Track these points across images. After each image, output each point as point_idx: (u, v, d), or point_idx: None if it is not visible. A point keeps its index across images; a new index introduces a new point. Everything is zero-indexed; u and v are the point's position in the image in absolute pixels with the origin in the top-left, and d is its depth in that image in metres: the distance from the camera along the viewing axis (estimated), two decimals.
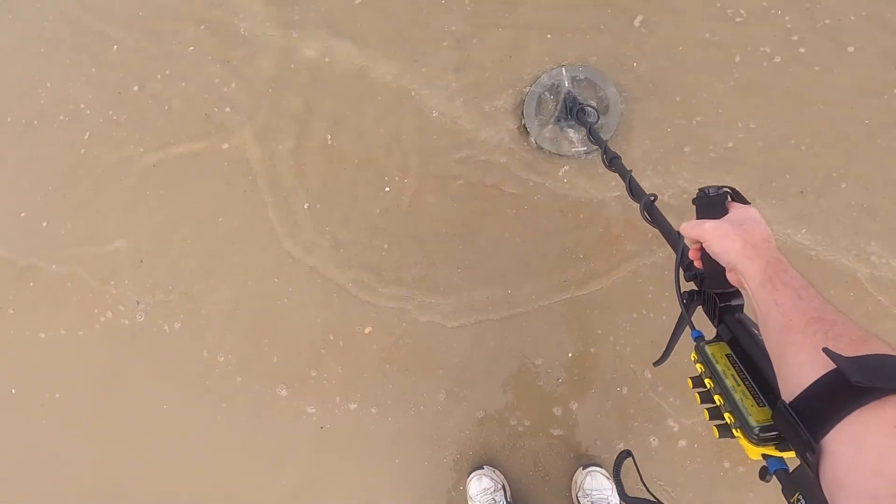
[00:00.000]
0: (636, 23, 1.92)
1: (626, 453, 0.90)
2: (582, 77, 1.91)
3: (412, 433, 1.88)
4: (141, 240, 2.13)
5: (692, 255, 0.85)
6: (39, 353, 2.16)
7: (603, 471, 1.72)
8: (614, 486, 1.67)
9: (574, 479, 1.76)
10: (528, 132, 1.92)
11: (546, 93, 1.93)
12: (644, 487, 0.96)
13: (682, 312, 0.87)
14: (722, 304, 0.79)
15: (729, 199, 0.82)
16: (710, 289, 0.82)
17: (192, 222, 2.11)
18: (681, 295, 0.88)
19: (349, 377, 1.93)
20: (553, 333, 1.85)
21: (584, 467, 1.74)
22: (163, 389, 2.05)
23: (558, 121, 1.90)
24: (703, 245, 0.77)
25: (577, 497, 1.71)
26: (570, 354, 1.84)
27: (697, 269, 0.86)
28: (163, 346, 2.06)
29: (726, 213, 0.79)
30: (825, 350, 0.52)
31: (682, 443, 1.76)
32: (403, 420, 1.88)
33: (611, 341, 1.82)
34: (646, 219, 1.08)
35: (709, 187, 0.83)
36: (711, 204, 0.82)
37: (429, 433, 1.87)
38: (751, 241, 0.70)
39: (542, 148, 1.92)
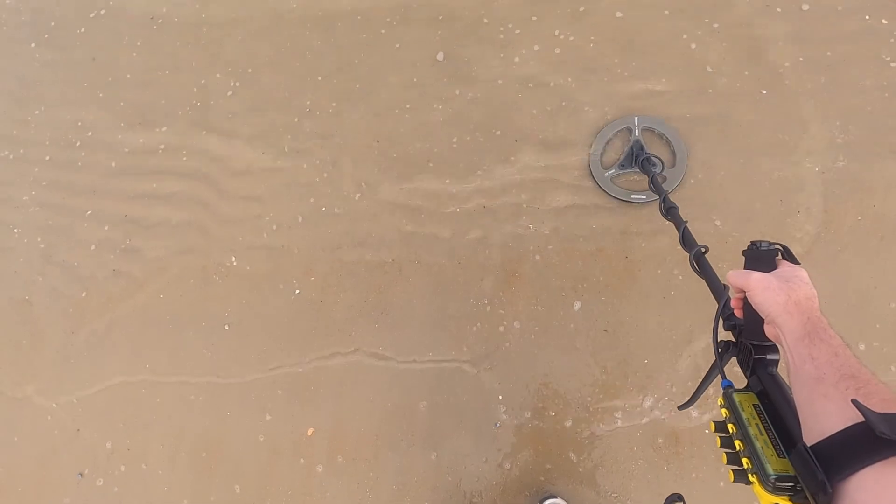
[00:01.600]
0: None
1: (677, 497, 0.90)
2: (653, 128, 1.96)
3: None
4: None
5: (734, 303, 0.87)
6: None
7: (559, 500, 1.74)
8: None
9: None
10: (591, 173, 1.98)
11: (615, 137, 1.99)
12: None
13: (715, 360, 0.89)
14: (757, 356, 0.81)
15: (779, 256, 0.84)
16: (747, 340, 0.83)
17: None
18: (717, 343, 0.89)
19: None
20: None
21: (542, 502, 1.76)
22: None
23: (622, 166, 1.95)
24: (747, 295, 0.79)
25: None
26: (500, 396, 1.88)
27: (737, 319, 0.88)
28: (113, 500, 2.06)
29: (775, 268, 0.80)
30: (854, 402, 0.53)
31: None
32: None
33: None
34: (694, 268, 1.11)
35: (761, 241, 0.85)
36: (761, 258, 0.83)
37: None
38: (794, 298, 0.72)
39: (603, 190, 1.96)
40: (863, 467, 0.49)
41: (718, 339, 0.89)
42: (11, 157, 2.46)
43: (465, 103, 2.09)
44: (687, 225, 1.26)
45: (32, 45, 2.57)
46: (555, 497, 1.75)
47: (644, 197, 1.91)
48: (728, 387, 0.80)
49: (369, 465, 1.90)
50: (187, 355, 2.10)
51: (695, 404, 0.97)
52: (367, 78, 2.20)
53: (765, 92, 1.91)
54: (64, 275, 2.28)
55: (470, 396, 1.89)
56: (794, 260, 0.83)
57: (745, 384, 0.81)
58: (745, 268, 0.84)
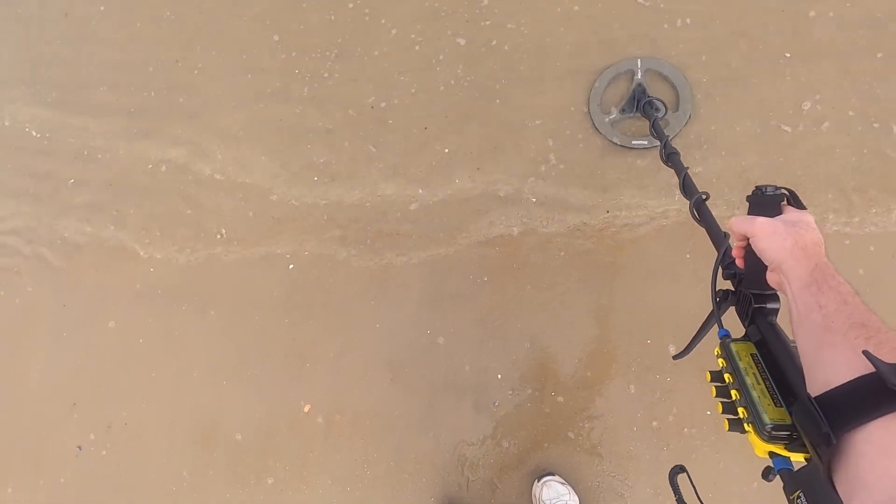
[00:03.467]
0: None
1: (680, 468, 0.88)
2: (657, 70, 1.87)
3: (370, 494, 1.88)
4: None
5: (735, 252, 0.84)
6: None
7: (557, 478, 1.73)
8: (570, 490, 1.69)
9: (532, 493, 1.76)
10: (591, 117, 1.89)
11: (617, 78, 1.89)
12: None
13: (713, 309, 0.86)
14: (757, 305, 0.78)
15: (785, 200, 0.80)
16: (747, 289, 0.80)
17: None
18: (715, 292, 0.87)
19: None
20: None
21: (539, 479, 1.74)
22: None
23: (623, 111, 1.87)
24: (751, 241, 0.74)
25: None
26: (498, 376, 1.85)
27: (737, 268, 0.85)
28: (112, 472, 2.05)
29: (780, 213, 0.76)
30: (865, 353, 0.49)
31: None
32: (361, 483, 1.88)
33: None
34: (694, 216, 1.08)
35: (767, 186, 0.80)
36: (766, 203, 0.79)
37: (385, 492, 1.87)
38: (801, 243, 0.68)
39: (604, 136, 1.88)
40: (871, 419, 0.47)
41: (717, 289, 0.87)
42: None
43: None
44: (688, 171, 1.22)
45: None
46: (553, 475, 1.75)
47: (646, 143, 1.84)
48: (725, 336, 0.78)
49: (366, 441, 1.89)
50: (183, 330, 2.07)
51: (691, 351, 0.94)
52: None
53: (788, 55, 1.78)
54: (54, 245, 2.23)
55: (468, 375, 1.86)
56: (800, 204, 0.79)
57: (742, 335, 0.79)
58: (749, 213, 0.80)
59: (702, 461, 1.72)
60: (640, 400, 1.77)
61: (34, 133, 2.33)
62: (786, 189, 0.80)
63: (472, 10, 2.02)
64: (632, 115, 1.85)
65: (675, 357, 0.98)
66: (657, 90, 1.87)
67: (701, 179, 1.76)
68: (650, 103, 1.75)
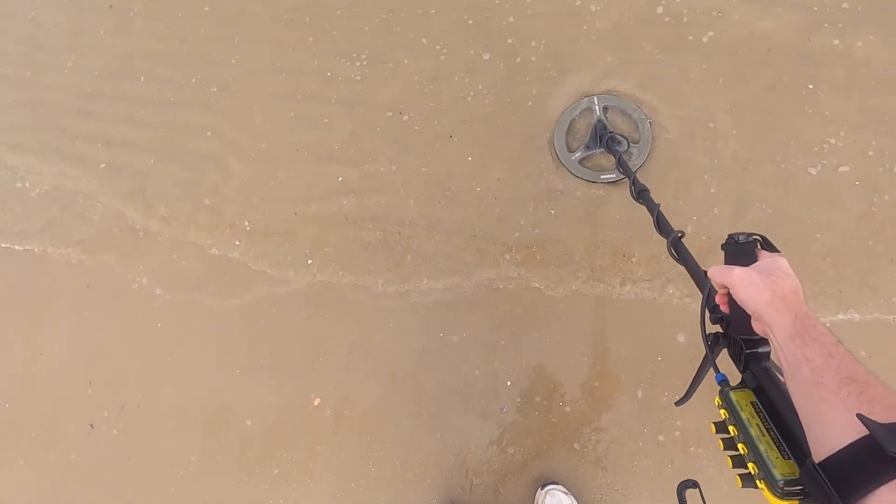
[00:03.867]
0: None
1: (693, 483, 0.88)
2: (614, 105, 1.93)
3: (373, 492, 1.89)
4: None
5: (719, 299, 0.83)
6: None
7: (560, 487, 1.74)
8: (573, 500, 1.69)
9: (535, 500, 1.77)
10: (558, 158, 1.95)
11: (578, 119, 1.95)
12: None
13: (706, 354, 0.85)
14: (748, 351, 0.77)
15: (759, 246, 0.81)
16: (735, 334, 0.80)
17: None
18: (706, 336, 0.86)
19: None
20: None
21: (542, 487, 1.75)
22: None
23: (588, 147, 1.91)
24: (731, 291, 0.76)
25: None
26: (508, 383, 1.87)
27: (723, 312, 0.84)
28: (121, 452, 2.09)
29: (755, 260, 0.78)
30: (860, 416, 0.51)
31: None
32: (365, 480, 1.90)
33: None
34: (672, 255, 1.06)
35: (739, 234, 0.82)
36: (740, 251, 0.81)
37: (388, 491, 1.88)
38: (779, 293, 0.69)
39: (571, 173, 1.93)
40: (876, 487, 0.48)
41: (707, 332, 0.86)
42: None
43: None
44: (661, 209, 1.21)
45: None
46: (556, 483, 1.76)
47: (613, 176, 1.88)
48: (722, 381, 0.78)
49: (373, 438, 1.91)
50: (201, 317, 2.11)
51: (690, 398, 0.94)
52: None
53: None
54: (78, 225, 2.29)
55: (478, 379, 1.88)
56: (773, 248, 0.81)
57: (738, 378, 0.79)
58: (725, 262, 0.82)
59: (706, 481, 1.72)
60: (646, 415, 1.78)
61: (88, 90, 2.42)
62: (757, 235, 0.81)
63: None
64: (597, 150, 1.89)
65: (676, 403, 0.97)
66: (618, 124, 1.93)
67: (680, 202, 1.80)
68: (612, 139, 1.79)
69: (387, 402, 1.93)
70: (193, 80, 2.30)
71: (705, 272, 0.90)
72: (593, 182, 1.91)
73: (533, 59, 2.04)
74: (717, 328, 0.87)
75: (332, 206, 2.07)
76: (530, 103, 2.01)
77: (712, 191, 1.83)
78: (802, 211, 1.78)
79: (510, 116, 2.02)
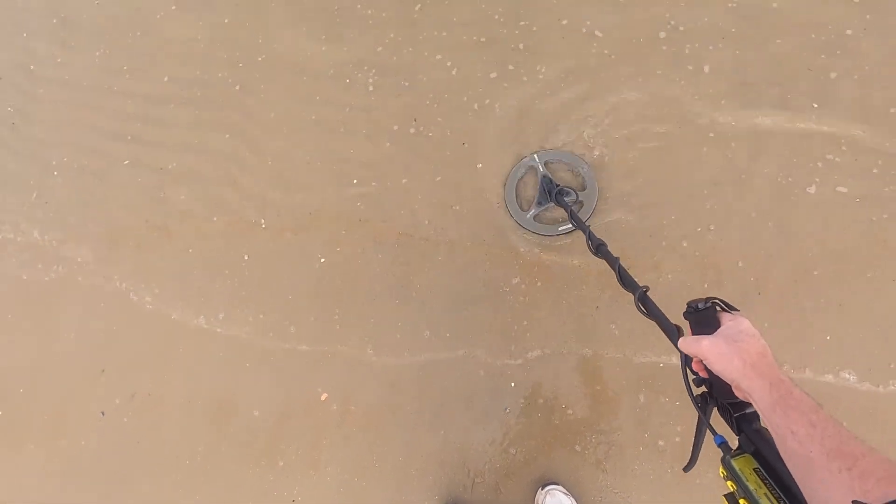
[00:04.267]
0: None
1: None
2: (553, 159, 1.98)
3: (376, 486, 1.93)
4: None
5: (696, 366, 0.84)
6: None
7: (560, 488, 1.77)
8: (573, 501, 1.71)
9: (535, 500, 1.80)
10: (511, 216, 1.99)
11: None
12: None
13: (699, 416, 0.85)
14: (737, 414, 0.78)
15: (718, 309, 0.84)
16: (720, 398, 0.81)
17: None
18: (694, 399, 0.86)
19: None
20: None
21: (543, 487, 1.78)
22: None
23: (539, 204, 1.94)
24: (704, 363, 0.78)
25: None
26: (512, 384, 1.91)
27: (705, 378, 0.85)
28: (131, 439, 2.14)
29: (719, 325, 0.80)
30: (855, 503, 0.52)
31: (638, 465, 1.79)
32: (368, 475, 1.94)
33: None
34: (641, 310, 1.05)
35: (697, 301, 0.84)
36: (703, 318, 0.83)
37: (391, 486, 1.92)
38: (749, 361, 0.71)
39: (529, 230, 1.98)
40: None
41: (695, 394, 0.86)
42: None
43: None
44: (620, 262, 1.20)
45: None
46: (556, 484, 1.78)
47: (570, 226, 1.92)
48: (722, 444, 0.78)
49: (377, 434, 1.95)
50: (212, 308, 2.16)
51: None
52: None
53: None
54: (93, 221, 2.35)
55: (482, 379, 1.92)
56: (732, 308, 0.83)
57: (736, 446, 0.79)
58: (691, 331, 0.84)
59: (705, 487, 1.74)
60: (647, 420, 1.81)
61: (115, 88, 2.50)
62: (715, 299, 0.84)
63: None
64: (548, 205, 1.93)
65: (684, 469, 0.93)
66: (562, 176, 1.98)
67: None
68: (560, 191, 1.84)
69: (392, 398, 1.97)
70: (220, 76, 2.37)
71: (678, 328, 0.92)
72: (552, 235, 1.95)
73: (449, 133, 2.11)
74: (704, 388, 0.88)
75: (346, 207, 2.13)
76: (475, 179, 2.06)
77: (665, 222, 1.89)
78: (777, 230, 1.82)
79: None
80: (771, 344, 0.75)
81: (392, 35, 2.22)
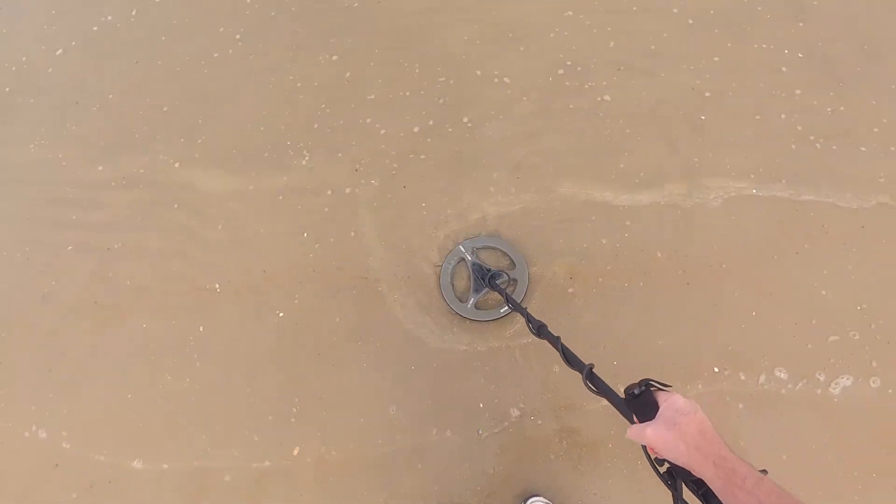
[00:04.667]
0: None
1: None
2: (482, 246, 2.07)
3: None
4: None
5: (652, 451, 0.86)
6: None
7: (541, 499, 1.81)
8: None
9: None
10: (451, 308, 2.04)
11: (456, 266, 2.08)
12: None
13: (673, 494, 0.84)
14: (701, 490, 0.79)
15: (653, 389, 0.88)
16: (683, 478, 0.81)
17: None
18: (661, 477, 0.86)
19: None
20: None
21: (525, 501, 1.82)
22: None
23: (476, 291, 2.01)
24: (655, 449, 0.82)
25: None
26: (480, 404, 1.96)
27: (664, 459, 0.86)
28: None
29: (657, 407, 0.84)
30: None
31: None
32: None
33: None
34: (590, 389, 1.04)
35: (633, 387, 0.89)
36: (642, 403, 0.87)
37: None
38: (691, 441, 0.74)
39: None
40: None
41: (661, 471, 0.86)
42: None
43: None
44: (562, 342, 1.19)
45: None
46: (538, 496, 1.82)
47: (509, 307, 1.94)
48: None
49: (356, 479, 1.93)
50: (171, 380, 2.12)
51: None
52: None
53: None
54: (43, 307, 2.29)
55: (453, 406, 1.97)
56: (663, 386, 0.88)
57: None
58: (636, 418, 0.88)
59: None
60: (612, 417, 1.89)
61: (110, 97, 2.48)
62: (648, 380, 0.88)
63: None
64: (485, 290, 1.99)
65: None
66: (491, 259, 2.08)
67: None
68: (493, 275, 1.90)
69: (365, 439, 1.97)
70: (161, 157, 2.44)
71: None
72: (495, 319, 2.01)
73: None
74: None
75: (298, 260, 2.19)
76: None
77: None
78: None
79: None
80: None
81: (324, 105, 2.38)
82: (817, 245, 2.01)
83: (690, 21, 2.34)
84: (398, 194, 2.21)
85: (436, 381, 1.99)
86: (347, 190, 2.23)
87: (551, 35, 2.36)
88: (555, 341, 1.20)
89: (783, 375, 1.90)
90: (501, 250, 2.07)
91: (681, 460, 0.76)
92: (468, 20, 2.43)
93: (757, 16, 2.34)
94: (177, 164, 2.38)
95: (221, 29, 2.57)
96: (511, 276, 1.99)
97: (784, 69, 2.24)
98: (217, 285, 2.20)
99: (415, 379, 2.00)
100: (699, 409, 0.79)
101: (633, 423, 0.90)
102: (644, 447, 0.87)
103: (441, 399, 1.97)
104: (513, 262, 2.05)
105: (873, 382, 1.87)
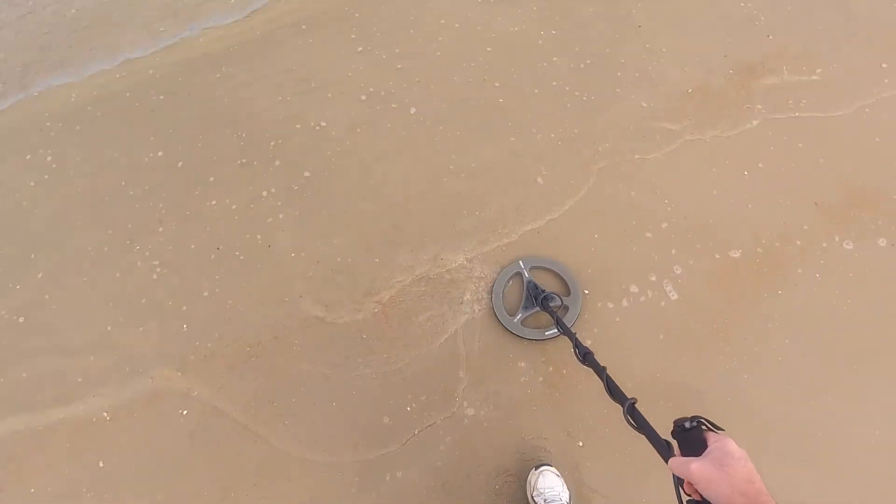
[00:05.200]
0: None
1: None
2: (538, 265, 2.05)
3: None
4: None
5: (687, 488, 0.82)
6: None
7: (553, 469, 1.81)
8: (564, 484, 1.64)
9: (528, 479, 1.81)
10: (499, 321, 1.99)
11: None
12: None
13: None
14: None
15: (704, 429, 0.84)
16: None
17: None
18: None
19: None
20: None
21: (537, 468, 1.81)
22: None
23: (526, 308, 1.97)
24: (694, 485, 0.78)
25: (532, 497, 1.77)
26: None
27: (697, 500, 0.82)
28: None
29: (706, 446, 0.81)
30: None
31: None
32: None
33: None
34: (630, 423, 1.02)
35: (683, 420, 0.85)
36: (690, 438, 0.84)
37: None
38: (737, 487, 0.71)
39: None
40: None
41: None
42: None
43: None
44: (608, 372, 1.17)
45: None
46: (549, 465, 1.82)
47: (556, 331, 1.91)
48: None
49: None
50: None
51: None
52: None
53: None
54: None
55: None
56: (717, 428, 0.85)
57: None
58: (680, 451, 0.85)
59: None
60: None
61: None
62: (700, 418, 0.84)
63: None
64: (534, 310, 1.95)
65: None
66: (545, 281, 2.05)
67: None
68: (546, 297, 1.85)
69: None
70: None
71: (667, 442, 0.91)
72: (539, 340, 1.95)
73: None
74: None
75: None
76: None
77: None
78: None
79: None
80: None
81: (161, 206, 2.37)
82: None
83: None
84: (265, 265, 2.26)
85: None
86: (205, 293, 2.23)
87: (349, 73, 2.64)
88: (600, 371, 1.19)
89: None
90: (560, 276, 2.04)
91: (721, 502, 0.73)
92: (274, 84, 2.61)
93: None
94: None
95: (29, 157, 2.53)
96: (564, 302, 1.96)
97: None
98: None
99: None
100: (749, 460, 0.76)
101: (667, 461, 0.89)
102: (677, 485, 0.85)
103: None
104: (568, 288, 2.02)
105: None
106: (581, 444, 1.89)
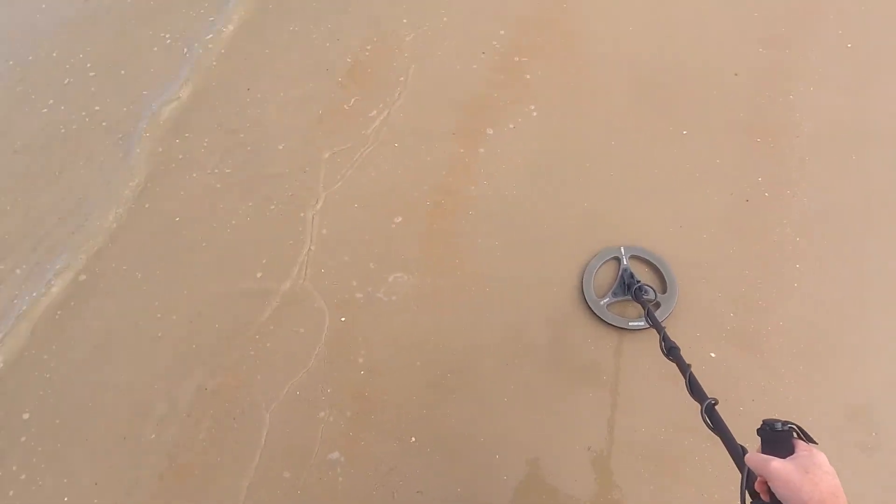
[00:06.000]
0: None
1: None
2: (641, 256, 1.98)
3: None
4: None
5: (758, 487, 0.78)
6: None
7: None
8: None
9: None
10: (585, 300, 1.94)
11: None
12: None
13: None
14: None
15: (795, 435, 0.80)
16: None
17: None
18: None
19: None
20: None
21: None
22: None
23: (615, 294, 1.91)
24: (769, 484, 0.74)
25: None
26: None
27: (764, 502, 0.78)
28: None
29: (792, 451, 0.76)
30: None
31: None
32: None
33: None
34: (706, 423, 1.01)
35: (775, 421, 0.81)
36: (777, 439, 0.79)
37: None
38: (818, 496, 0.67)
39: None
40: None
41: None
42: None
43: None
44: (692, 371, 1.16)
45: None
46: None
47: (642, 324, 1.85)
48: None
49: None
50: None
51: None
52: None
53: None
54: None
55: None
56: (809, 439, 0.80)
57: None
58: (761, 450, 0.81)
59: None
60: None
61: None
62: (793, 424, 0.80)
63: None
64: (623, 297, 1.90)
65: None
66: (641, 273, 1.96)
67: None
68: (640, 289, 1.80)
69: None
70: None
71: (742, 448, 0.88)
72: (622, 328, 1.88)
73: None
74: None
75: None
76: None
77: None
78: None
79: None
80: None
81: None
82: None
83: None
84: None
85: None
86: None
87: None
88: (685, 367, 1.19)
89: None
90: (661, 273, 1.95)
91: None
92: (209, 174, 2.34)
93: None
94: None
95: None
96: (657, 298, 1.87)
97: None
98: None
99: None
100: (837, 477, 0.71)
101: (739, 466, 0.85)
102: (744, 483, 0.81)
103: None
104: (667, 287, 1.92)
105: None
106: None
